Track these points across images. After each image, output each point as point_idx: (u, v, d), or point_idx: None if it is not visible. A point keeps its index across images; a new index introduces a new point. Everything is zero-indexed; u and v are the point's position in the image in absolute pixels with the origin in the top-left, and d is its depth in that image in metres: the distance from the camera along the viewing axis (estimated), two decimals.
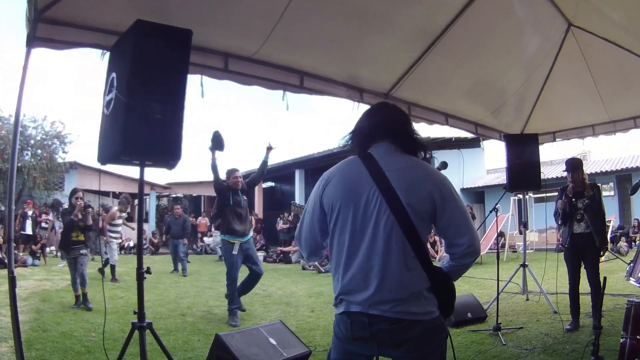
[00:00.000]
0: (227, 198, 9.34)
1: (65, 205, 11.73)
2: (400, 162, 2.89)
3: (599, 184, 7.93)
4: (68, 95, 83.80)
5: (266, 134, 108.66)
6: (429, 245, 17.78)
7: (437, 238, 19.77)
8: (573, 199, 7.69)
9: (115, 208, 16.13)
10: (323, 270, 17.23)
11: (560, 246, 8.68)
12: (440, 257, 19.45)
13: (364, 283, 2.73)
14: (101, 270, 14.07)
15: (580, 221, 7.63)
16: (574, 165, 7.70)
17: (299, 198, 29.53)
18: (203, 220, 30.31)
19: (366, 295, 2.71)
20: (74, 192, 10.55)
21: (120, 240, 15.51)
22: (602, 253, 7.59)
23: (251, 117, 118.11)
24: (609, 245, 18.23)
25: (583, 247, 7.61)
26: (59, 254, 16.91)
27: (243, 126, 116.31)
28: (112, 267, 15.13)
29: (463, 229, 2.82)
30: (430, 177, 2.85)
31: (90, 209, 10.43)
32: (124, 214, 15.83)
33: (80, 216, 10.08)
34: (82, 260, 10.25)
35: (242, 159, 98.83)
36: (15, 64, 77.35)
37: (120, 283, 14.85)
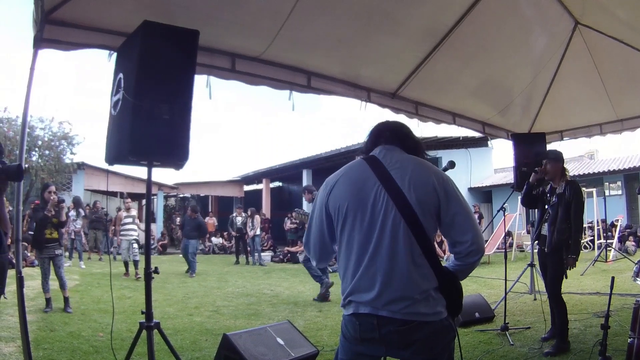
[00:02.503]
0: None
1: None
2: (403, 160, 2.92)
3: (599, 182, 7.48)
4: (67, 96, 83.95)
5: (272, 134, 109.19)
6: (436, 245, 17.85)
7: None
8: (548, 195, 7.15)
9: (122, 211, 16.60)
10: (331, 270, 17.16)
11: None
12: (448, 257, 19.41)
13: (372, 281, 2.74)
14: (137, 277, 14.94)
15: (547, 221, 7.04)
16: (555, 157, 7.05)
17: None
18: (210, 221, 30.27)
19: (374, 294, 2.72)
20: (46, 186, 10.17)
21: (132, 237, 15.57)
22: (568, 264, 6.64)
23: (253, 117, 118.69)
24: (614, 245, 18.14)
25: (544, 252, 7.02)
26: (66, 253, 16.95)
27: (244, 126, 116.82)
28: (125, 264, 16.00)
29: (466, 226, 2.83)
30: (434, 173, 2.87)
31: (63, 204, 10.01)
32: (133, 214, 16.03)
33: (53, 212, 9.69)
34: (59, 262, 9.87)
35: (243, 159, 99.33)
36: (16, 64, 77.68)
37: (128, 277, 15.52)
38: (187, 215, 19.19)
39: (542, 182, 7.28)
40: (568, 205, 6.73)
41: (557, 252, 6.72)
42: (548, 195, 7.12)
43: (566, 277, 6.78)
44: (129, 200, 17.34)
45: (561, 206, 6.79)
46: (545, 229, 7.02)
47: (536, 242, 7.32)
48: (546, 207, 7.12)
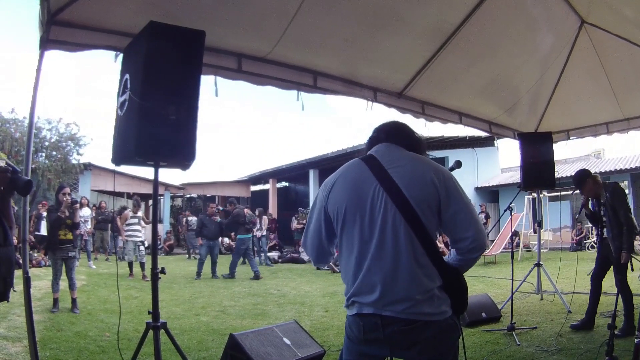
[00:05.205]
0: None
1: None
2: (402, 158, 2.91)
3: (616, 182, 7.77)
4: (69, 96, 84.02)
5: (278, 134, 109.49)
6: (443, 245, 17.82)
7: None
8: (596, 208, 7.74)
9: (128, 210, 16.50)
10: (337, 270, 17.16)
11: (574, 245, 8.60)
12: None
13: (375, 283, 2.73)
14: (144, 276, 15.01)
15: (606, 227, 7.59)
16: (577, 180, 7.77)
17: (313, 198, 29.45)
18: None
19: (377, 295, 2.71)
20: (61, 187, 10.18)
21: (139, 239, 15.57)
22: (622, 258, 7.18)
23: (257, 117, 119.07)
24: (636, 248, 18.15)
25: (608, 251, 7.55)
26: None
27: (250, 127, 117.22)
28: (130, 264, 15.97)
29: (468, 222, 2.81)
30: (433, 170, 2.84)
31: (77, 206, 10.15)
32: (139, 214, 16.00)
33: (67, 213, 9.73)
34: (71, 264, 9.88)
35: (250, 160, 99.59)
36: (17, 64, 77.68)
37: (132, 277, 15.50)
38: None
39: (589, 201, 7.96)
40: (613, 208, 7.29)
41: (614, 255, 7.34)
42: (597, 208, 7.74)
43: (632, 270, 7.33)
44: (138, 199, 17.31)
45: (610, 212, 7.37)
46: (606, 233, 7.59)
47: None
48: (603, 217, 7.60)
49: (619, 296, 5.48)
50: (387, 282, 2.69)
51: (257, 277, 16.19)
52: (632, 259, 7.18)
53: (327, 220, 2.97)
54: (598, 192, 7.58)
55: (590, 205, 7.92)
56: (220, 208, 17.93)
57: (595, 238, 7.98)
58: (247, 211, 18.41)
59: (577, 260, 10.03)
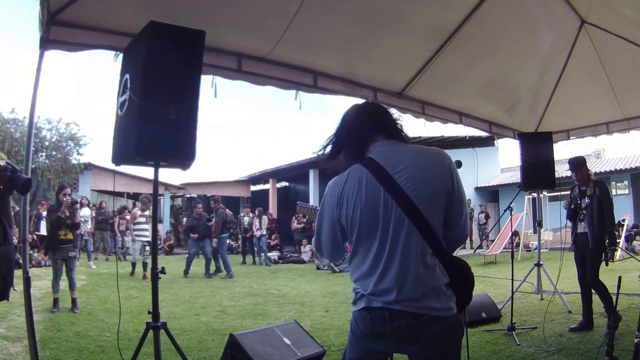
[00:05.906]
0: None
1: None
2: (404, 158, 2.84)
3: (605, 181, 7.88)
4: (69, 96, 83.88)
5: (277, 134, 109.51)
6: None
7: None
8: (578, 199, 7.83)
9: (137, 208, 16.46)
10: (337, 270, 17.19)
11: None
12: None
13: (386, 287, 2.72)
14: (144, 276, 14.96)
15: (583, 221, 7.73)
16: (576, 163, 7.79)
17: (313, 198, 29.42)
18: None
19: (388, 297, 2.71)
20: (62, 188, 10.14)
21: (146, 239, 15.49)
22: (606, 252, 7.44)
23: (258, 116, 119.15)
24: (621, 244, 18.17)
25: (583, 247, 7.67)
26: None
27: (252, 126, 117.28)
28: (133, 264, 16.01)
29: (460, 214, 2.89)
30: (438, 163, 2.86)
31: (77, 206, 10.14)
32: (146, 213, 15.95)
33: (67, 213, 9.69)
34: (72, 264, 9.85)
35: (250, 159, 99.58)
36: (17, 64, 77.61)
37: (133, 277, 15.54)
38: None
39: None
40: (600, 203, 7.46)
41: (598, 245, 7.50)
42: (579, 199, 7.82)
43: (607, 265, 7.52)
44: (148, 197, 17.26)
45: (595, 205, 7.50)
46: (582, 228, 7.83)
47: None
48: (582, 207, 7.79)
49: (618, 295, 5.46)
50: (397, 286, 2.70)
51: (208, 275, 17.10)
52: (631, 258, 7.23)
53: (341, 230, 2.94)
54: (587, 184, 7.74)
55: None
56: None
57: (572, 236, 8.04)
58: (228, 211, 19.65)
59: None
